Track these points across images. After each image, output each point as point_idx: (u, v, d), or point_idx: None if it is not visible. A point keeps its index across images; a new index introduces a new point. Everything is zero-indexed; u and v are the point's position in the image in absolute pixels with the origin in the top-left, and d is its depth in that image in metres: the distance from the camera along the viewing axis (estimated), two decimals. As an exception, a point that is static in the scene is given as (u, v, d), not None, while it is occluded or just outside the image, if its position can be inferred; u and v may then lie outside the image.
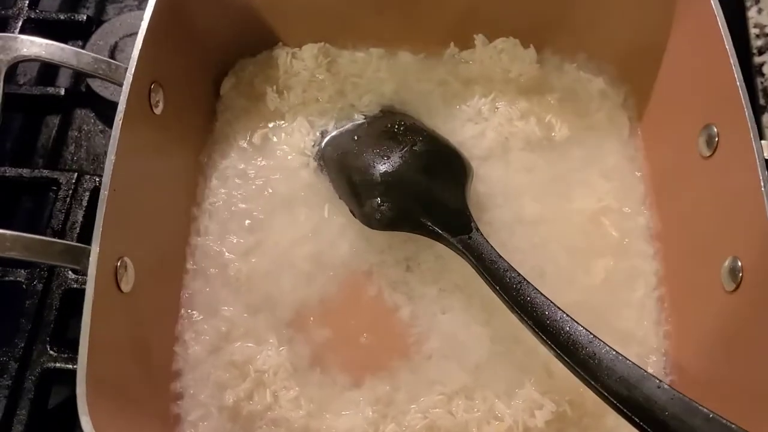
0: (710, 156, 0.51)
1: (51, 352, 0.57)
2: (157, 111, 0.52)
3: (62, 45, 0.49)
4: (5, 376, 0.56)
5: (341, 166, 0.59)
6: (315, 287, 0.56)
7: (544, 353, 0.52)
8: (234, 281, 0.56)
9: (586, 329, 0.44)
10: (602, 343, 0.43)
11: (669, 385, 0.40)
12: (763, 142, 0.47)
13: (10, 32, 0.70)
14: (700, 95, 0.53)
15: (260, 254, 0.57)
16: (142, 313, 0.49)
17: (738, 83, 0.48)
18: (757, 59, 0.73)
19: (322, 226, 0.58)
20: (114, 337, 0.45)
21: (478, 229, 0.52)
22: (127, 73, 0.48)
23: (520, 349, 0.54)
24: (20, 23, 0.71)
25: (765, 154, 0.46)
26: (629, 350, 0.53)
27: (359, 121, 0.62)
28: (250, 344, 0.54)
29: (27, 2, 0.72)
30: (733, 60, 0.48)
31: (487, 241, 0.51)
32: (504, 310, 0.54)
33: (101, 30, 0.74)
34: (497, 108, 0.62)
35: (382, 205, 0.54)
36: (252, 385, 0.52)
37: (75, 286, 0.59)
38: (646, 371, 0.41)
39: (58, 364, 0.57)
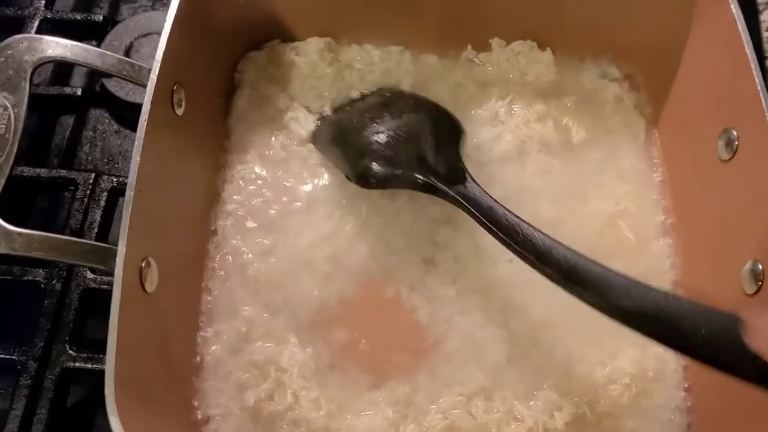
0: (729, 159, 0.51)
1: (70, 352, 0.57)
2: (180, 112, 0.52)
3: (86, 46, 0.49)
4: (25, 375, 0.56)
5: (334, 136, 0.60)
6: (334, 288, 0.56)
7: (562, 355, 0.53)
8: (253, 282, 0.56)
9: (591, 259, 0.44)
10: (609, 270, 0.43)
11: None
12: (783, 145, 0.47)
13: (27, 32, 0.70)
14: (719, 99, 0.53)
15: (279, 255, 0.57)
16: (165, 313, 0.49)
17: (759, 87, 0.48)
18: (769, 61, 0.74)
19: (340, 227, 0.59)
20: (139, 337, 0.45)
21: (473, 180, 0.53)
22: (152, 74, 0.48)
23: (539, 351, 0.54)
24: (36, 23, 0.71)
25: (786, 158, 0.46)
26: (647, 352, 0.53)
27: (354, 97, 0.62)
28: (270, 344, 0.54)
29: (43, 2, 0.73)
30: (754, 64, 0.49)
31: (483, 189, 0.52)
32: (522, 310, 0.55)
33: (116, 30, 0.74)
34: (514, 111, 0.62)
35: (374, 162, 0.55)
36: (273, 385, 0.52)
37: (93, 285, 0.59)
38: (654, 287, 0.42)
39: (77, 364, 0.57)
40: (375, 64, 0.64)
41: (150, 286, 0.47)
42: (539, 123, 0.62)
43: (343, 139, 0.59)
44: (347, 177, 0.57)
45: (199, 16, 0.55)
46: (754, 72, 0.49)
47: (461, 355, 0.54)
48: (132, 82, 0.49)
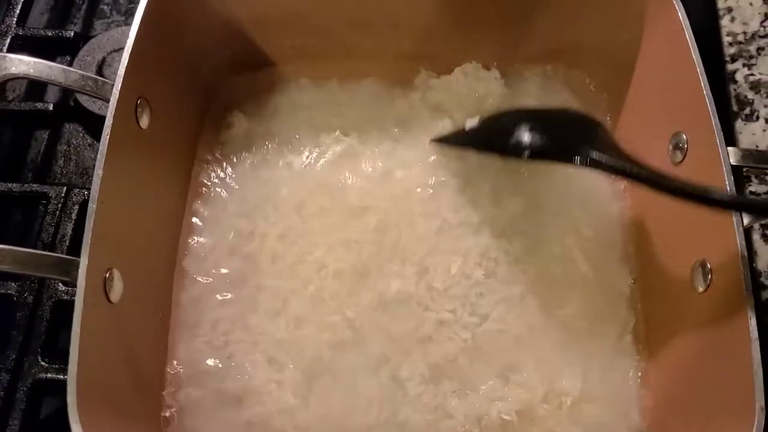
0: (681, 162, 0.53)
1: (42, 363, 0.58)
2: (144, 126, 0.53)
3: (50, 63, 0.50)
4: (-3, 387, 0.57)
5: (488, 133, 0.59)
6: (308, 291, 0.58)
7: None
8: (225, 291, 0.58)
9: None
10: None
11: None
12: (729, 148, 0.48)
13: (-1, 50, 0.71)
14: (670, 104, 0.55)
15: (251, 265, 0.58)
16: (131, 323, 0.50)
17: (705, 91, 0.50)
18: (730, 66, 0.76)
19: (313, 229, 0.60)
20: (104, 346, 0.46)
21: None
22: (114, 89, 0.49)
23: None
24: (8, 40, 0.72)
25: (731, 161, 0.48)
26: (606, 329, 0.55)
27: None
28: (242, 352, 0.55)
29: (15, 19, 0.74)
30: (700, 69, 0.50)
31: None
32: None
33: (88, 46, 0.75)
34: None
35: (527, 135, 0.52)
36: (245, 392, 0.54)
37: (65, 297, 0.60)
38: None
39: (49, 375, 0.58)
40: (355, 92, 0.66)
41: (114, 297, 0.48)
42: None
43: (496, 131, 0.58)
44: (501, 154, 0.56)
45: (165, 32, 0.56)
46: (701, 77, 0.50)
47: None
48: (96, 97, 0.50)
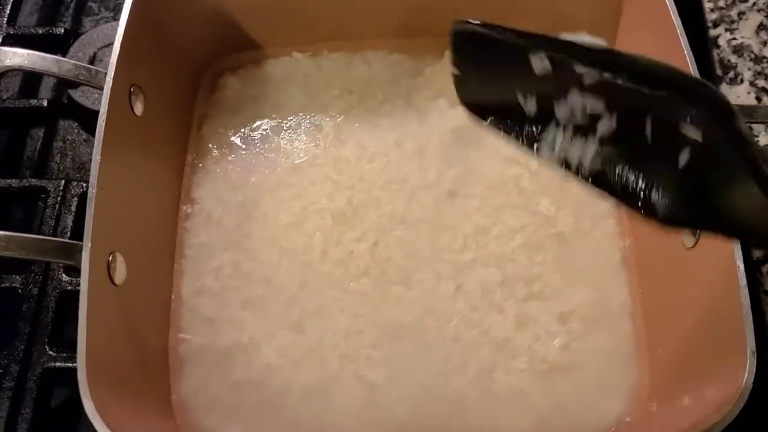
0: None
1: (50, 353, 0.59)
2: (138, 112, 0.54)
3: (43, 54, 0.51)
4: (8, 378, 0.58)
5: None
6: (310, 269, 0.59)
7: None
8: (224, 275, 0.59)
9: None
10: None
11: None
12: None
13: (-9, 48, 0.72)
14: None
15: (249, 245, 0.60)
16: (135, 303, 0.51)
17: (687, 58, 0.51)
18: (712, 32, 0.77)
19: (308, 213, 0.61)
20: (110, 326, 0.47)
21: None
22: (107, 77, 0.50)
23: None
24: (0, 39, 0.73)
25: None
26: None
27: None
28: (244, 329, 0.57)
29: (5, 19, 0.74)
30: (681, 33, 0.51)
31: None
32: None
33: (79, 42, 0.76)
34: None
35: None
36: (250, 369, 0.55)
37: (69, 288, 0.61)
38: None
39: (57, 364, 0.58)
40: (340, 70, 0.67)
41: (118, 279, 0.49)
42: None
43: None
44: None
45: (154, 20, 0.57)
46: (682, 42, 0.51)
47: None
48: (89, 85, 0.52)
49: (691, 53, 0.51)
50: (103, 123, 0.49)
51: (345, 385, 0.55)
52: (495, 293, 0.57)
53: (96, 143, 0.48)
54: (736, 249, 0.45)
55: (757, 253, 0.65)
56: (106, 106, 0.49)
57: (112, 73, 0.50)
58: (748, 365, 0.42)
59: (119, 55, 0.51)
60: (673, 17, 0.52)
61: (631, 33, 0.59)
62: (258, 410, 0.54)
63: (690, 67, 0.50)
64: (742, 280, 0.44)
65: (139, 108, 0.54)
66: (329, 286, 0.58)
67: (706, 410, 0.43)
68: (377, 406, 0.55)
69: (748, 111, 0.49)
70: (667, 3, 0.53)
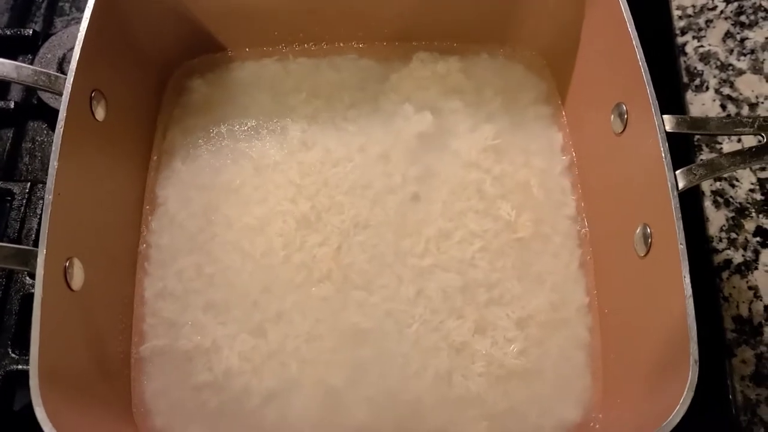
0: (622, 132, 0.55)
1: (13, 356, 0.59)
2: (99, 118, 0.54)
3: (2, 60, 0.51)
4: (-30, 380, 0.58)
5: None
6: (272, 273, 0.59)
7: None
8: (187, 278, 0.59)
9: None
10: None
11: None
12: (664, 116, 0.50)
13: (-42, 49, 0.72)
14: (612, 77, 0.56)
15: (212, 248, 0.60)
16: (95, 308, 0.52)
17: (641, 63, 0.51)
18: (680, 39, 0.78)
19: (271, 217, 0.61)
20: (66, 332, 0.47)
21: None
22: (66, 83, 0.50)
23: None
24: (-32, 40, 0.73)
25: (666, 128, 0.50)
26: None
27: None
28: (206, 332, 0.57)
29: (-26, 20, 0.74)
30: (636, 42, 0.52)
31: None
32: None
33: (49, 43, 0.76)
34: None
35: None
36: (211, 373, 0.56)
37: (32, 290, 0.61)
38: None
39: (20, 366, 0.59)
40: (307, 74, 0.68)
41: (76, 284, 0.49)
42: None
43: None
44: None
45: (117, 25, 0.57)
46: (636, 49, 0.52)
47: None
48: (49, 91, 0.52)
49: (644, 60, 0.52)
50: (62, 129, 0.49)
51: (305, 389, 0.56)
52: (455, 298, 0.58)
53: (54, 149, 0.48)
54: (683, 260, 0.46)
55: (717, 259, 0.66)
56: (65, 113, 0.49)
57: (71, 80, 0.50)
58: (690, 375, 0.43)
59: (79, 61, 0.51)
60: (629, 26, 0.53)
61: (593, 34, 0.59)
62: (218, 414, 0.55)
63: (643, 72, 0.51)
64: (688, 290, 0.45)
65: (100, 113, 0.54)
66: (291, 291, 0.59)
67: (652, 417, 0.44)
68: (336, 410, 0.55)
69: (701, 123, 0.50)
70: (624, 14, 0.53)
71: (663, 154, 0.48)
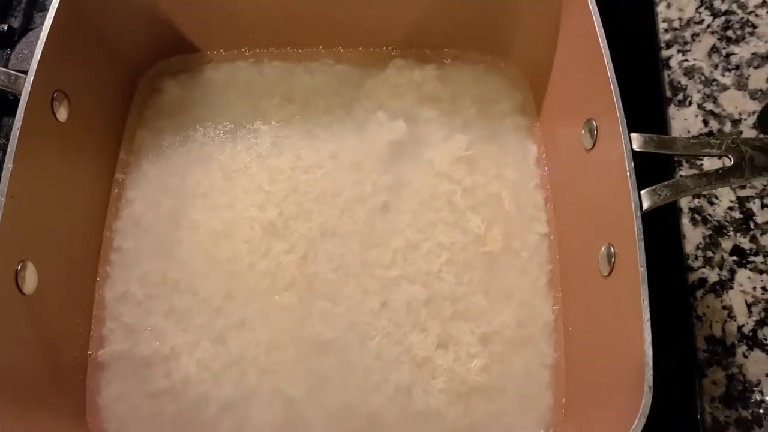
0: (591, 149, 0.54)
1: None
2: (61, 119, 0.53)
3: (-40, 58, 0.50)
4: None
5: None
6: (237, 280, 0.58)
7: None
8: (150, 283, 0.58)
9: None
10: None
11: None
12: (632, 134, 0.49)
13: (-69, 44, 0.71)
14: (584, 92, 0.56)
15: (178, 252, 0.59)
16: (49, 311, 0.51)
17: (610, 79, 0.50)
18: (665, 53, 0.77)
19: (238, 223, 0.61)
20: (15, 337, 0.47)
21: None
22: (26, 83, 0.50)
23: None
24: (-58, 34, 0.72)
25: (633, 146, 0.49)
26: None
27: None
28: (166, 339, 0.56)
29: (-49, 14, 0.74)
30: (607, 58, 0.51)
31: None
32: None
33: (26, 39, 0.75)
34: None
35: None
36: (169, 380, 0.55)
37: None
38: None
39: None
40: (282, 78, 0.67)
41: (28, 288, 0.49)
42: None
43: None
44: None
45: (83, 23, 0.56)
46: (607, 65, 0.51)
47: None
48: (8, 91, 0.51)
49: (614, 76, 0.51)
50: (18, 131, 0.48)
51: (263, 399, 0.55)
52: (420, 311, 0.57)
53: (9, 151, 0.48)
54: (642, 283, 0.45)
55: (692, 278, 0.65)
56: (22, 113, 0.49)
57: (31, 80, 0.50)
58: (643, 401, 0.42)
59: (40, 60, 0.50)
60: (600, 41, 0.52)
61: (567, 49, 0.59)
62: (174, 422, 0.54)
63: (612, 89, 0.50)
64: (646, 315, 0.44)
65: (62, 114, 0.54)
66: (254, 298, 0.58)
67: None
68: (295, 422, 0.55)
69: (669, 143, 0.49)
70: (596, 29, 0.52)
71: (628, 173, 0.47)
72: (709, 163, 0.70)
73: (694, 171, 0.70)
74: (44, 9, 0.80)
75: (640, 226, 0.46)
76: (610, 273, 0.50)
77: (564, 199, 0.59)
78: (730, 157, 0.48)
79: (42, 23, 0.76)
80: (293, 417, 0.55)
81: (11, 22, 0.76)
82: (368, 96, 0.66)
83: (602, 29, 0.52)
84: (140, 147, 0.64)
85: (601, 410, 0.48)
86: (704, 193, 0.68)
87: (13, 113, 0.72)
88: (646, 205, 0.47)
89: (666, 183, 0.47)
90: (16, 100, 0.70)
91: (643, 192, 0.47)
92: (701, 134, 0.71)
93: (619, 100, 0.50)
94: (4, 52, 0.76)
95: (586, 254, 0.53)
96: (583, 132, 0.55)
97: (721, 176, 0.47)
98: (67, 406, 0.52)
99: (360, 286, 0.58)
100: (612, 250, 0.49)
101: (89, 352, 0.56)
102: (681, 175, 0.69)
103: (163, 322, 0.57)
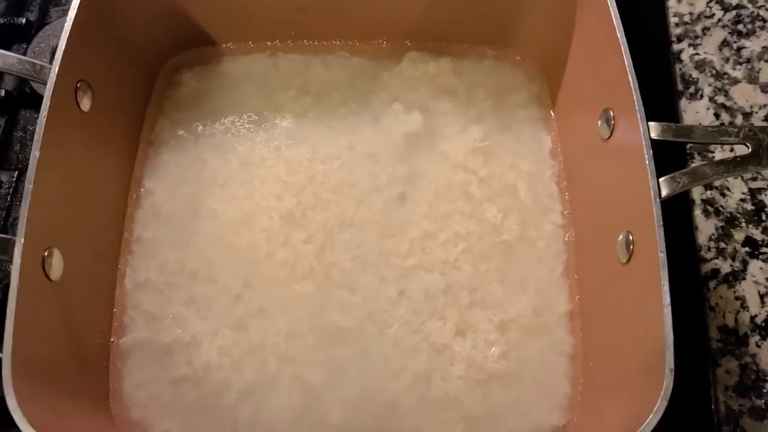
0: (609, 138, 0.54)
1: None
2: (85, 108, 0.54)
3: (-13, 49, 0.51)
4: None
5: None
6: (255, 269, 0.59)
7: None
8: (170, 272, 0.59)
9: None
10: None
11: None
12: (650, 123, 0.50)
13: (-49, 37, 0.72)
14: (600, 81, 0.56)
15: (197, 241, 0.60)
16: (74, 300, 0.52)
17: (628, 69, 0.51)
18: (676, 47, 0.77)
19: (257, 212, 0.61)
20: (42, 323, 0.47)
21: None
22: (51, 73, 0.50)
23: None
24: (-39, 28, 0.73)
25: (651, 135, 0.49)
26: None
27: None
28: (187, 326, 0.57)
29: (-32, 7, 0.74)
30: (624, 47, 0.52)
31: None
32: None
33: (42, 32, 0.76)
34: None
35: None
36: (190, 367, 0.55)
37: (11, 280, 0.61)
38: None
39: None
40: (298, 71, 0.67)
41: (54, 275, 0.49)
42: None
43: None
44: None
45: (106, 16, 0.57)
46: (624, 56, 0.51)
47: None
48: (34, 80, 0.51)
49: (632, 66, 0.51)
50: (44, 120, 0.49)
51: (283, 386, 0.55)
52: (437, 299, 0.58)
53: (36, 139, 0.48)
54: (662, 268, 0.45)
55: (705, 269, 0.66)
56: (48, 102, 0.49)
57: (56, 70, 0.50)
58: (664, 384, 0.42)
59: (65, 51, 0.51)
60: (617, 32, 0.52)
61: (583, 39, 0.59)
62: (195, 408, 0.55)
63: (629, 78, 0.51)
64: (666, 299, 0.45)
65: (86, 104, 0.54)
66: (274, 287, 0.59)
67: (627, 425, 0.44)
68: (313, 408, 0.55)
69: (687, 131, 0.50)
70: (614, 20, 0.53)
71: (647, 161, 0.48)
72: (721, 156, 0.71)
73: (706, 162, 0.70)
74: (59, 4, 0.81)
75: (659, 213, 0.47)
76: (628, 260, 0.50)
77: (580, 189, 0.60)
78: (748, 144, 0.48)
79: (58, 18, 0.79)
80: (312, 404, 0.55)
81: (28, 17, 0.77)
82: (384, 88, 0.67)
83: (619, 20, 0.53)
84: (159, 138, 0.64)
85: (619, 396, 0.49)
86: (717, 184, 0.69)
87: (31, 106, 0.74)
88: (664, 192, 0.48)
89: (684, 170, 0.48)
90: (34, 93, 0.72)
91: (661, 179, 0.48)
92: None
93: (637, 89, 0.50)
94: (20, 45, 0.76)
95: (603, 242, 0.54)
96: (599, 122, 0.55)
97: (739, 164, 0.47)
98: (91, 393, 0.53)
99: (377, 275, 0.59)
100: (630, 237, 0.50)
101: (112, 340, 0.56)
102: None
103: (184, 310, 0.58)
